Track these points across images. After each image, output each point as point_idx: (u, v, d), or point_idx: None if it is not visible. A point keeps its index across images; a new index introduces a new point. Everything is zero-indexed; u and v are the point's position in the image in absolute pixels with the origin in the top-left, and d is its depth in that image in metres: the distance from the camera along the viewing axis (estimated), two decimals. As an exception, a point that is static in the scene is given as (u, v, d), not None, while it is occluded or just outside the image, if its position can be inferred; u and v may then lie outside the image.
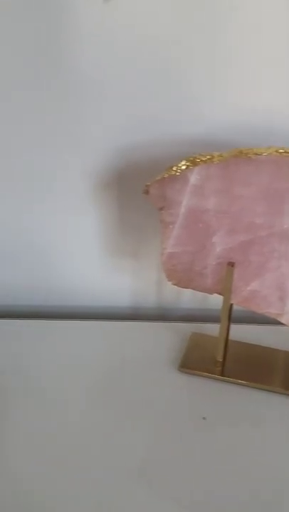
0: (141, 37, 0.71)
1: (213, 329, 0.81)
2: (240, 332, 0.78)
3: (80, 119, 0.76)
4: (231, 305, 0.71)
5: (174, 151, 0.77)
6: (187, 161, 0.66)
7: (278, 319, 0.69)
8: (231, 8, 0.69)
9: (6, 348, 0.76)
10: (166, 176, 0.66)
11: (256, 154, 0.62)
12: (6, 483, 0.58)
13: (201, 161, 0.65)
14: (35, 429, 0.65)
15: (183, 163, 0.66)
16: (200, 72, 0.73)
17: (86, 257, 0.84)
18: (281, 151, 0.62)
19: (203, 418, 0.66)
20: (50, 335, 0.80)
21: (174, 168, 0.66)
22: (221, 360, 0.73)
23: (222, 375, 0.72)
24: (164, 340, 0.80)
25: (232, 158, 0.63)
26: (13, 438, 0.63)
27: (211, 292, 0.71)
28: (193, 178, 0.66)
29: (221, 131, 0.75)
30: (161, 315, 0.88)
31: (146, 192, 0.69)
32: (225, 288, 0.69)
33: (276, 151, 0.62)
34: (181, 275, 0.72)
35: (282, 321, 0.69)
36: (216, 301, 0.82)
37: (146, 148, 0.78)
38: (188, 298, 0.87)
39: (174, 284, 0.73)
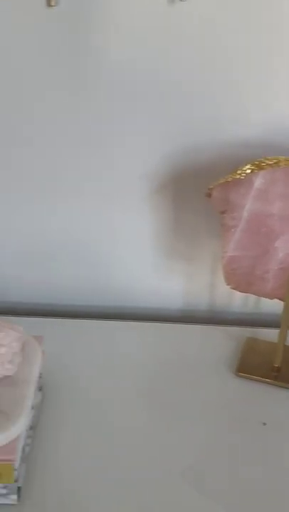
0: (198, 40, 0.71)
1: (265, 334, 0.80)
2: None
3: (135, 121, 0.76)
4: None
5: (229, 153, 0.77)
6: (252, 164, 0.65)
7: None
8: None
9: (59, 347, 0.76)
10: (230, 179, 0.66)
11: None
12: (56, 483, 0.58)
13: (267, 165, 0.64)
14: (87, 429, 0.65)
15: (248, 166, 0.65)
16: (258, 75, 0.73)
17: (140, 259, 0.84)
18: None
19: (264, 424, 0.66)
20: (103, 335, 0.80)
21: (239, 172, 0.66)
22: (278, 365, 0.73)
23: (279, 380, 0.72)
24: (216, 344, 0.80)
25: (300, 162, 0.63)
26: (65, 441, 0.64)
27: (271, 297, 0.71)
28: (258, 182, 0.66)
29: (278, 134, 0.75)
30: (212, 318, 0.88)
31: (209, 195, 0.69)
32: (287, 293, 0.68)
33: None
34: (241, 279, 0.71)
35: None
36: (268, 306, 0.82)
37: (202, 150, 0.77)
38: (240, 302, 0.87)
39: (233, 288, 0.73)
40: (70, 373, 0.73)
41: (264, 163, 0.65)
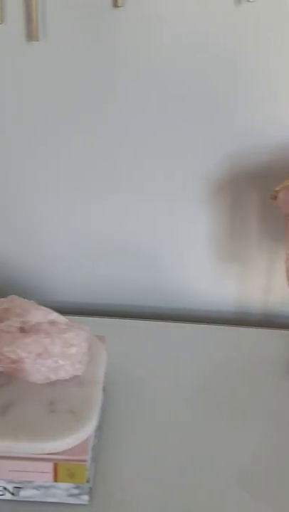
0: (262, 40, 0.71)
1: None
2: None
3: (194, 121, 0.76)
4: None
5: (287, 156, 0.77)
6: None
7: None
8: None
9: (113, 347, 0.76)
10: (296, 182, 0.66)
11: None
12: (123, 483, 0.58)
13: None
14: (147, 429, 0.65)
15: (315, 169, 0.65)
16: None
17: (194, 261, 0.84)
18: None
19: None
20: (156, 335, 0.80)
21: (306, 175, 0.65)
22: None
23: None
24: (271, 347, 0.79)
25: None
26: (128, 441, 0.64)
27: None
28: None
29: None
30: (265, 321, 0.87)
31: (275, 197, 0.68)
32: None
33: None
34: (303, 282, 0.71)
35: None
36: None
37: (261, 152, 0.77)
38: (294, 305, 0.86)
39: (295, 291, 0.72)
40: (125, 373, 0.73)
41: None
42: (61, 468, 0.54)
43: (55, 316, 0.62)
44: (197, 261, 0.84)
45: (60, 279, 0.86)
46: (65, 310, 0.87)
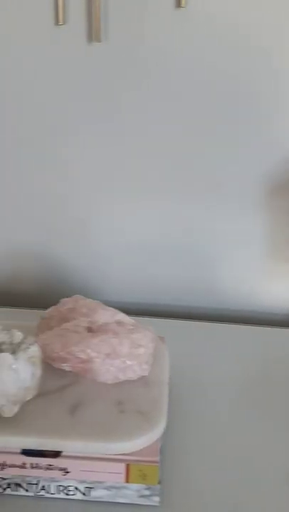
0: None
1: None
2: None
3: (252, 121, 0.75)
4: None
5: None
6: None
7: None
8: None
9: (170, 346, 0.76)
10: None
11: None
12: (190, 484, 0.58)
13: None
14: (210, 430, 0.65)
15: None
16: None
17: (248, 262, 0.83)
18: None
19: None
20: (208, 336, 0.80)
21: None
22: None
23: None
24: None
25: None
26: (193, 441, 0.63)
27: None
28: None
29: None
30: None
31: None
32: None
33: None
34: None
35: None
36: None
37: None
38: None
39: None
40: (180, 373, 0.73)
41: None
42: (133, 469, 0.54)
43: (121, 316, 0.62)
44: (251, 262, 0.84)
45: (111, 279, 0.86)
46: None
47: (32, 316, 0.80)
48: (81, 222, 0.83)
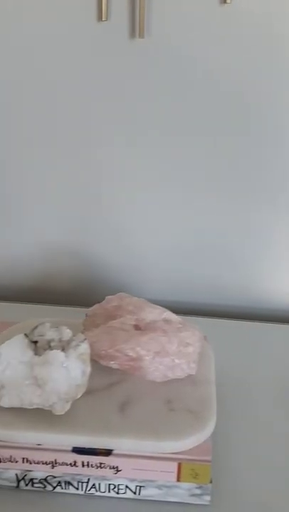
0: None
1: None
2: None
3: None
4: None
5: None
6: None
7: None
8: None
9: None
10: None
11: None
12: (239, 483, 0.58)
13: None
14: (256, 428, 0.64)
15: None
16: None
17: (287, 261, 0.83)
18: None
19: None
20: (247, 335, 0.79)
21: None
22: None
23: None
24: None
25: None
26: (239, 439, 0.63)
27: None
28: None
29: None
30: None
31: None
32: None
33: None
34: None
35: None
36: None
37: None
38: None
39: None
40: (221, 372, 0.72)
41: None
42: (185, 468, 0.53)
43: (168, 314, 0.62)
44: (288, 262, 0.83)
45: (146, 277, 0.86)
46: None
47: (69, 314, 0.81)
48: (120, 222, 0.83)
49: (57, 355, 0.54)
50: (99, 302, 0.66)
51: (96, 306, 0.65)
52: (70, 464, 0.54)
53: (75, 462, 0.54)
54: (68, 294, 0.87)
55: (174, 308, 0.85)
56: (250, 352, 0.77)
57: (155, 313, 0.61)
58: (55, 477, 0.55)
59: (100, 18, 0.71)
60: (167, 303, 0.86)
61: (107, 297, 0.65)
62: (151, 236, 0.83)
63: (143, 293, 0.86)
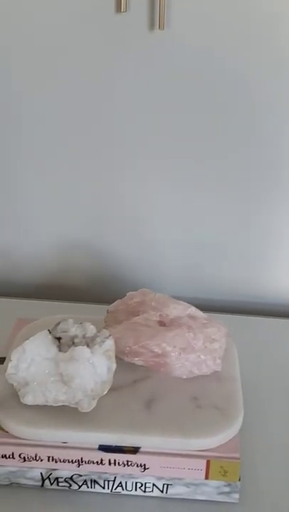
0: None
1: None
2: None
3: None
4: None
5: None
6: None
7: None
8: None
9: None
10: None
11: None
12: (266, 481, 0.57)
13: None
14: (283, 426, 0.63)
15: None
16: None
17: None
18: None
19: None
20: (268, 332, 0.79)
21: None
22: None
23: None
24: None
25: None
26: (268, 437, 0.62)
27: None
28: None
29: None
30: None
31: None
32: None
33: None
34: None
35: None
36: None
37: None
38: None
39: None
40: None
41: None
42: (214, 466, 0.53)
43: (193, 310, 0.61)
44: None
45: (166, 274, 0.85)
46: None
47: (86, 310, 0.79)
48: (140, 221, 0.82)
49: (83, 351, 0.53)
50: (118, 299, 0.65)
51: (118, 302, 0.64)
52: (97, 462, 0.53)
53: (101, 460, 0.53)
54: (83, 291, 0.86)
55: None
56: (268, 348, 0.75)
57: (179, 309, 0.60)
58: (80, 476, 0.54)
59: (118, 9, 0.70)
60: (187, 300, 0.85)
61: (129, 293, 0.64)
62: (169, 234, 0.82)
63: (159, 289, 0.85)
